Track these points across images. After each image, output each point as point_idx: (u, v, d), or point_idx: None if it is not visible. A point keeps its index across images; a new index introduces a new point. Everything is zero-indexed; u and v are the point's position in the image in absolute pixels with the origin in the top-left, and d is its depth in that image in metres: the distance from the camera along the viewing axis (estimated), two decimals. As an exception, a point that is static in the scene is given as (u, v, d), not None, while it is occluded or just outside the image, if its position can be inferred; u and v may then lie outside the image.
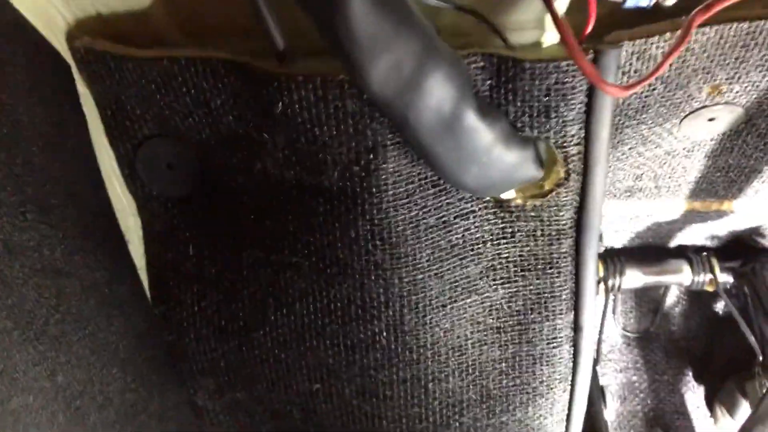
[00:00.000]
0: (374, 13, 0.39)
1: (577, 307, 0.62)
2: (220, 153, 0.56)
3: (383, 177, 0.52)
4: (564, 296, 0.61)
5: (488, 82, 0.49)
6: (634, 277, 0.82)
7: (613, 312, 0.94)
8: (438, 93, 0.43)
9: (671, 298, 0.92)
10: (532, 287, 0.61)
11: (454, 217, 0.57)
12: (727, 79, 0.54)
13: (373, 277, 0.58)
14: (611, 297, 0.89)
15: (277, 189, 0.56)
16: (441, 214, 0.56)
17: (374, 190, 0.53)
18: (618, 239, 0.80)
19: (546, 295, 0.61)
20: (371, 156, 0.51)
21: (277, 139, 0.52)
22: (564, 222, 0.57)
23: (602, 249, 0.82)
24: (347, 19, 0.39)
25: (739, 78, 0.54)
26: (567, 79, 0.48)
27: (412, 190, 0.54)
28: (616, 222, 0.75)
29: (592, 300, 0.62)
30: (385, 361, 0.63)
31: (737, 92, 0.55)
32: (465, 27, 0.55)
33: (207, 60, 0.51)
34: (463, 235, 0.58)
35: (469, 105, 0.45)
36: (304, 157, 0.53)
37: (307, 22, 0.41)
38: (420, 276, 0.58)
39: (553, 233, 0.58)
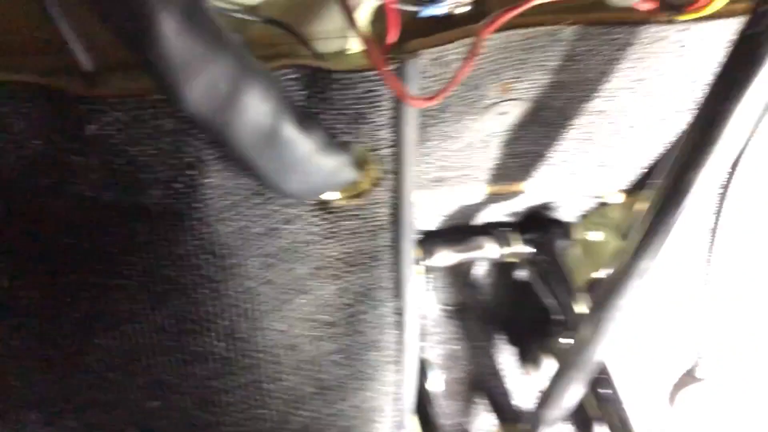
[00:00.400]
0: (185, 35, 0.38)
1: (399, 293, 0.66)
2: (29, 178, 0.53)
3: (206, 192, 0.52)
4: (387, 285, 0.65)
5: (302, 92, 0.51)
6: (447, 256, 0.88)
7: (432, 289, 1.00)
8: (255, 109, 0.44)
9: (481, 271, 1.00)
10: (358, 281, 0.64)
11: (281, 223, 0.58)
12: (513, 78, 0.60)
13: (204, 291, 0.58)
14: (429, 276, 0.96)
15: (93, 211, 0.54)
16: (267, 222, 0.57)
17: (198, 205, 0.53)
18: (431, 223, 0.86)
19: (372, 286, 0.65)
20: (192, 172, 0.51)
21: (91, 161, 0.50)
22: (382, 217, 0.61)
23: (417, 235, 0.87)
24: (158, 43, 0.38)
25: (523, 77, 0.60)
26: (375, 88, 0.51)
27: (237, 202, 0.55)
28: (427, 209, 0.80)
29: (413, 285, 0.66)
30: (223, 370, 0.63)
31: (523, 89, 0.61)
32: (273, 38, 0.55)
33: (5, 83, 0.48)
34: (290, 240, 0.59)
35: (286, 117, 0.46)
36: (121, 177, 0.51)
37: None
38: (251, 284, 0.59)
39: (374, 228, 0.61)
